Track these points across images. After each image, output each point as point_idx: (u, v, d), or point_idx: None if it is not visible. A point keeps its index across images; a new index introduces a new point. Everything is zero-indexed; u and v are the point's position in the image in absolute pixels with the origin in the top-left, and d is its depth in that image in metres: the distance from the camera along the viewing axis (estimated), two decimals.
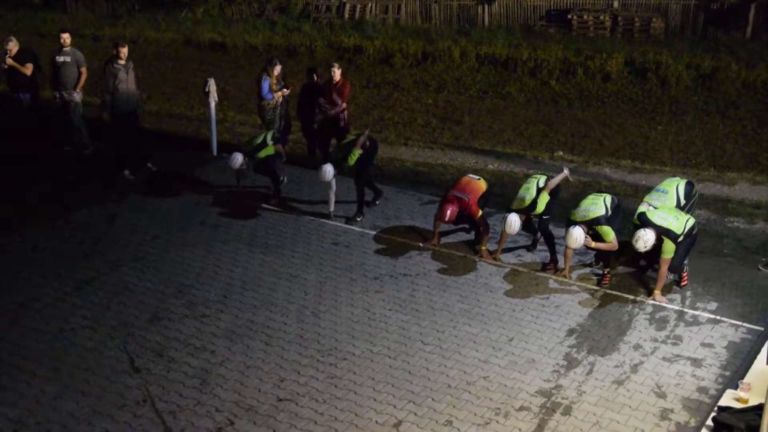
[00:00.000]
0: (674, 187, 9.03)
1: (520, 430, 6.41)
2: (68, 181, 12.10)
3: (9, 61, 13.15)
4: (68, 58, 13.09)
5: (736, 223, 10.50)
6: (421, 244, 9.90)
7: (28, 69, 13.23)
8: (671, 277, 8.70)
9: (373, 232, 10.31)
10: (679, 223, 8.36)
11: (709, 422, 6.29)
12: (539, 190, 9.26)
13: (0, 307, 8.36)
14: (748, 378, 6.63)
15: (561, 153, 13.86)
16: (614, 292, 8.66)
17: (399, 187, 11.86)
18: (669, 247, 8.25)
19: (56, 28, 18.70)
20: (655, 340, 7.69)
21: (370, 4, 26.87)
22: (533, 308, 8.35)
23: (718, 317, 8.09)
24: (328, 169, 10.42)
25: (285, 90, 12.62)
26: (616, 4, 24.09)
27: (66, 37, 13.11)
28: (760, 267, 9.16)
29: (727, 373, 7.11)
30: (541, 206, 9.20)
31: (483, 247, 9.59)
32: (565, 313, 8.23)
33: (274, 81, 12.45)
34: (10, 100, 13.62)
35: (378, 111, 17.10)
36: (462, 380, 7.07)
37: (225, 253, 9.71)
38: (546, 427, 6.43)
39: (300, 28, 25.37)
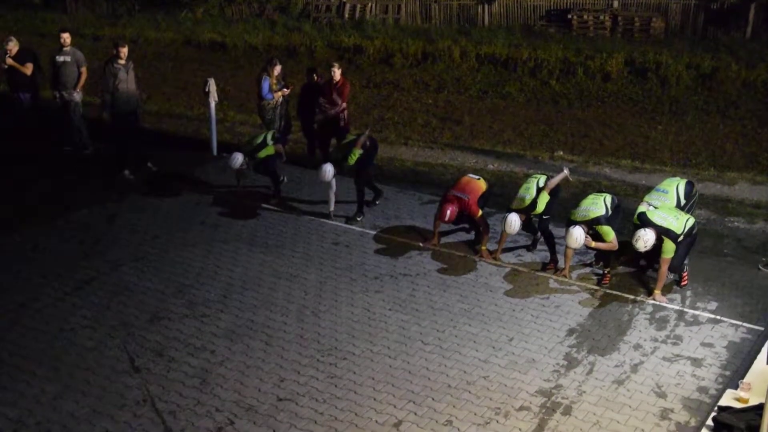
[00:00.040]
0: (674, 186, 9.02)
1: (520, 429, 6.41)
2: (68, 181, 12.10)
3: (9, 61, 13.14)
4: (68, 58, 13.09)
5: (736, 223, 10.50)
6: (421, 244, 9.90)
7: (28, 69, 13.23)
8: (671, 276, 8.70)
9: (373, 232, 10.31)
10: (679, 222, 8.36)
11: (709, 422, 6.28)
12: (539, 190, 9.26)
13: (0, 307, 8.36)
14: (748, 378, 6.63)
15: (561, 153, 13.85)
16: (614, 292, 8.66)
17: (399, 186, 11.86)
18: (669, 247, 8.25)
19: (56, 28, 18.66)
20: (656, 340, 7.69)
21: (370, 4, 26.87)
22: (533, 308, 8.35)
23: (718, 317, 8.09)
24: (328, 169, 10.42)
25: (285, 90, 12.61)
26: (616, 4, 24.09)
27: (66, 37, 13.10)
28: (760, 267, 9.15)
29: (728, 373, 7.11)
30: (541, 206, 9.20)
31: (483, 247, 9.59)
32: (565, 313, 8.23)
33: (274, 81, 12.45)
34: (10, 100, 13.62)
35: (378, 111, 17.10)
36: (462, 380, 7.07)
37: (225, 253, 9.71)
38: (546, 427, 6.43)
39: (300, 28, 25.37)
